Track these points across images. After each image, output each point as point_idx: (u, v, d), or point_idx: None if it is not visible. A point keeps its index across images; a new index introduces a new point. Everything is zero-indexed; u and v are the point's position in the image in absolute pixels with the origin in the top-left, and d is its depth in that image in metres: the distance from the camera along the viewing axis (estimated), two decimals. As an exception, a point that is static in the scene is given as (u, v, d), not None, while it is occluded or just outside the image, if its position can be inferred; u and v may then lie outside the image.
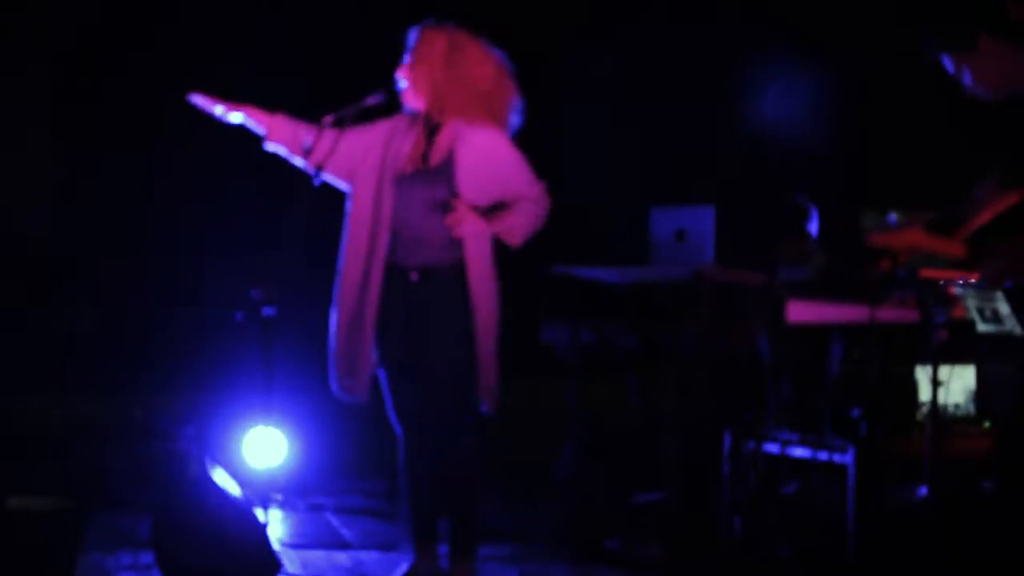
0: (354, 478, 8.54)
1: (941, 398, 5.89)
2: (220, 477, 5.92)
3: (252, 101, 5.49)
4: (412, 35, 5.48)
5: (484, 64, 5.47)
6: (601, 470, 7.24)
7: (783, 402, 5.73)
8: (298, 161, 5.49)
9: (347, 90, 5.57)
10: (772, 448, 6.07)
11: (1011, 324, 5.91)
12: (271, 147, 5.50)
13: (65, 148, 10.07)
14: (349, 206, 5.48)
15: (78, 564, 5.55)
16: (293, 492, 7.87)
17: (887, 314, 5.22)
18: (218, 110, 5.45)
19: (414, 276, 5.39)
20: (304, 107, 5.52)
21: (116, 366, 9.81)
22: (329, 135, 5.41)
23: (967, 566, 5.29)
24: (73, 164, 10.03)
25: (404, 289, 5.41)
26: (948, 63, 4.42)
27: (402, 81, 5.45)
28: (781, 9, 9.76)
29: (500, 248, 5.45)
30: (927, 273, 5.10)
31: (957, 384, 5.62)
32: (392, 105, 5.50)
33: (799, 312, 5.11)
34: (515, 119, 5.53)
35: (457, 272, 5.33)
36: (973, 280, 5.18)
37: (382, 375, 5.50)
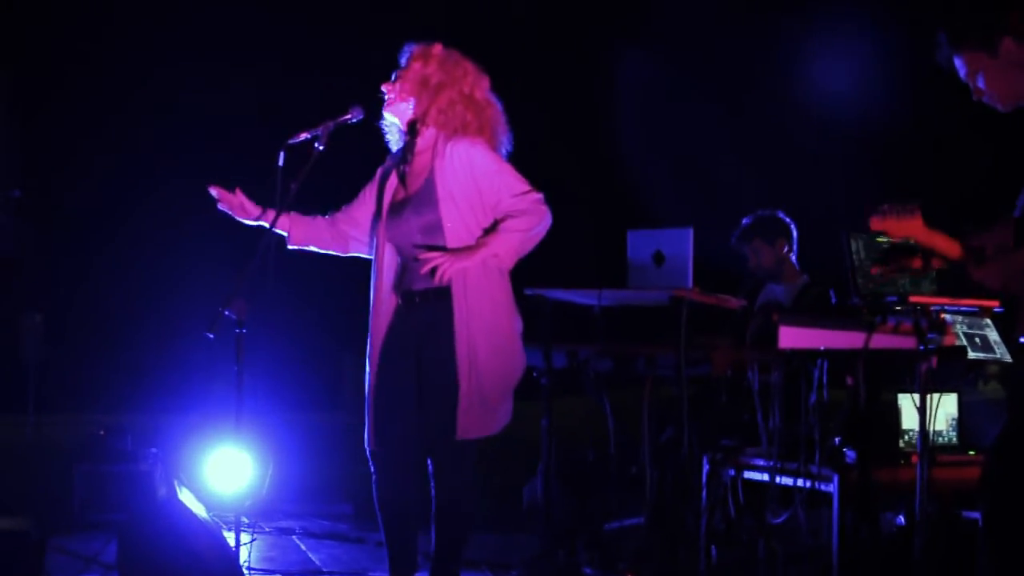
0: (321, 501, 8.44)
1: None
2: (187, 499, 5.80)
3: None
4: (404, 53, 5.40)
5: (479, 75, 5.40)
6: (575, 496, 7.14)
7: (769, 429, 5.62)
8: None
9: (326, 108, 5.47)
10: (754, 476, 5.98)
11: (1000, 351, 5.85)
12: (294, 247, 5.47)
13: (28, 166, 9.96)
14: None
15: (41, 587, 5.43)
16: (260, 515, 7.75)
17: (881, 340, 5.13)
18: (236, 207, 5.37)
19: (418, 299, 5.29)
20: (282, 127, 5.40)
21: (81, 385, 9.69)
22: (344, 218, 5.48)
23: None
24: (38, 183, 9.92)
25: (408, 314, 5.32)
26: (962, 65, 4.32)
27: (388, 94, 5.34)
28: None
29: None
30: (916, 299, 5.02)
31: (940, 412, 5.53)
32: (367, 123, 5.42)
33: (790, 338, 5.01)
34: (506, 143, 5.42)
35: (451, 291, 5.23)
36: (963, 306, 5.11)
37: (369, 397, 5.36)
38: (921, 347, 5.05)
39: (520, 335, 5.39)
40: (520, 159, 5.42)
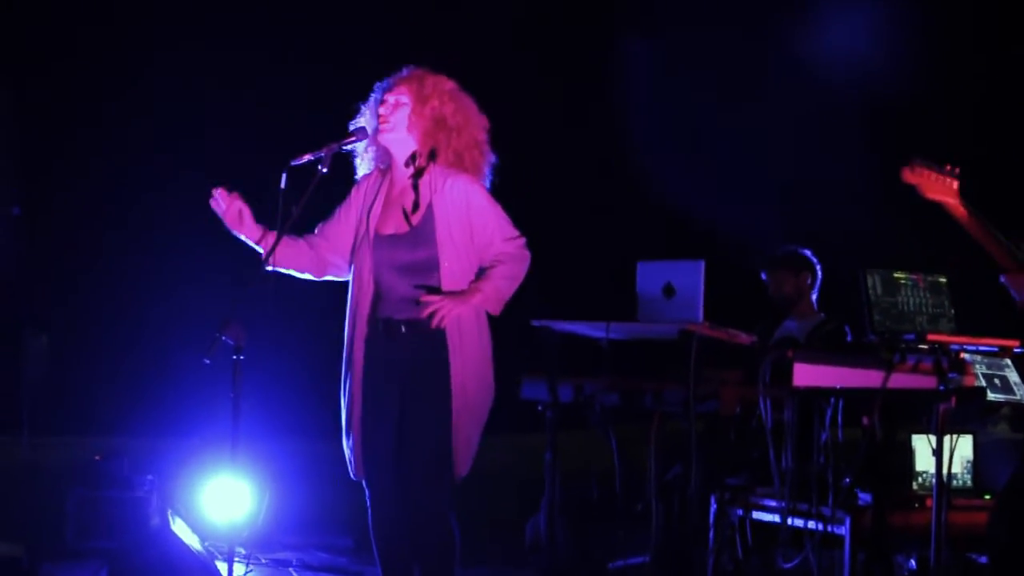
0: (319, 533, 8.29)
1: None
2: (180, 528, 5.69)
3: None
4: (405, 75, 5.28)
5: (481, 114, 5.35)
6: (578, 532, 7.01)
7: (782, 468, 5.47)
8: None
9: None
10: (763, 516, 5.83)
11: (1020, 392, 5.71)
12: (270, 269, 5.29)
13: (26, 184, 9.88)
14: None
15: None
16: (257, 546, 7.61)
17: (898, 380, 4.98)
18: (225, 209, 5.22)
19: (402, 329, 5.17)
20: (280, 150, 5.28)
21: (76, 409, 9.58)
22: (324, 244, 5.35)
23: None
24: (38, 201, 9.84)
25: (391, 343, 5.19)
26: None
27: (386, 119, 5.21)
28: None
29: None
30: (935, 337, 4.88)
31: (955, 454, 5.38)
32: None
33: (806, 375, 4.86)
34: (487, 178, 5.36)
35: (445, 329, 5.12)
36: (983, 345, 4.96)
37: (356, 426, 5.23)
38: (941, 387, 4.90)
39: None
40: (527, 188, 5.35)
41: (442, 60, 5.40)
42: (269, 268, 5.24)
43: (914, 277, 5.43)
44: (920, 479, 5.73)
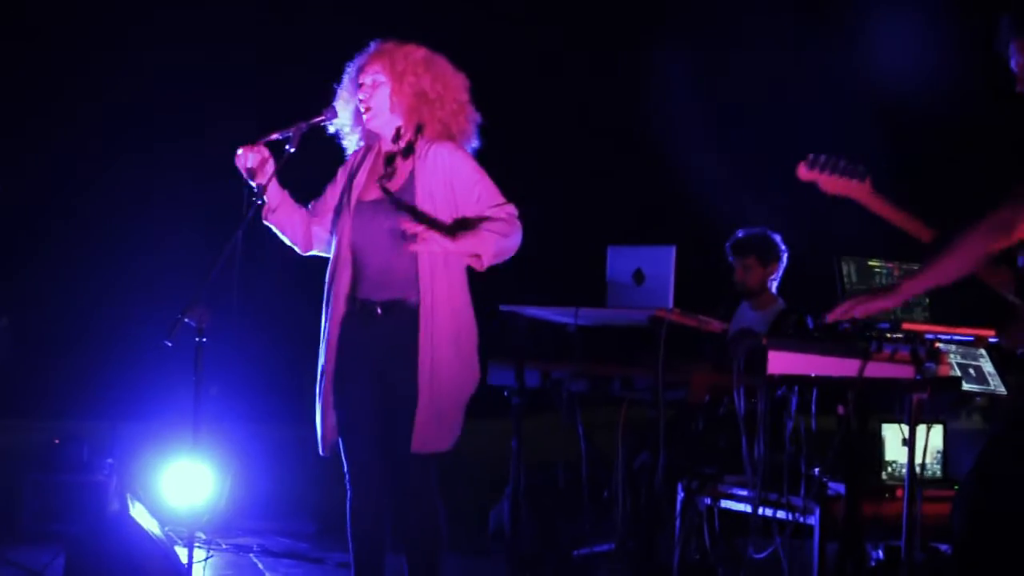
0: (281, 518, 8.21)
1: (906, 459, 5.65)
2: (140, 513, 5.61)
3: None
4: (374, 51, 5.17)
5: (458, 74, 5.21)
6: (544, 520, 6.95)
7: (754, 458, 5.40)
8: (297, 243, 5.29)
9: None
10: (732, 505, 5.78)
11: (995, 383, 5.67)
12: (269, 222, 5.19)
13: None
14: None
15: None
16: (217, 531, 7.53)
17: (876, 368, 4.92)
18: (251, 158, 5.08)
19: (380, 311, 5.04)
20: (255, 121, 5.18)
21: (34, 392, 9.47)
22: (315, 219, 5.23)
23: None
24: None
25: (368, 326, 5.06)
26: (1017, 52, 4.13)
27: (367, 103, 5.11)
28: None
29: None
30: (909, 326, 4.82)
31: (925, 444, 5.33)
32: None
33: (781, 363, 4.79)
34: (475, 140, 5.24)
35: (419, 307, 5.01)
36: (958, 335, 4.91)
37: (339, 418, 5.14)
38: (918, 376, 4.84)
39: (477, 348, 5.19)
40: (498, 168, 5.24)
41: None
42: (268, 222, 5.15)
43: (889, 265, 5.39)
44: (889, 469, 5.68)
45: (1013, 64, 4.16)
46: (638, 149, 9.49)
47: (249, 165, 5.01)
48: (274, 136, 5.02)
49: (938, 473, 5.83)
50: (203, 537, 7.39)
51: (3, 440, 9.66)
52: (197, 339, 4.85)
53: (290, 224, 5.20)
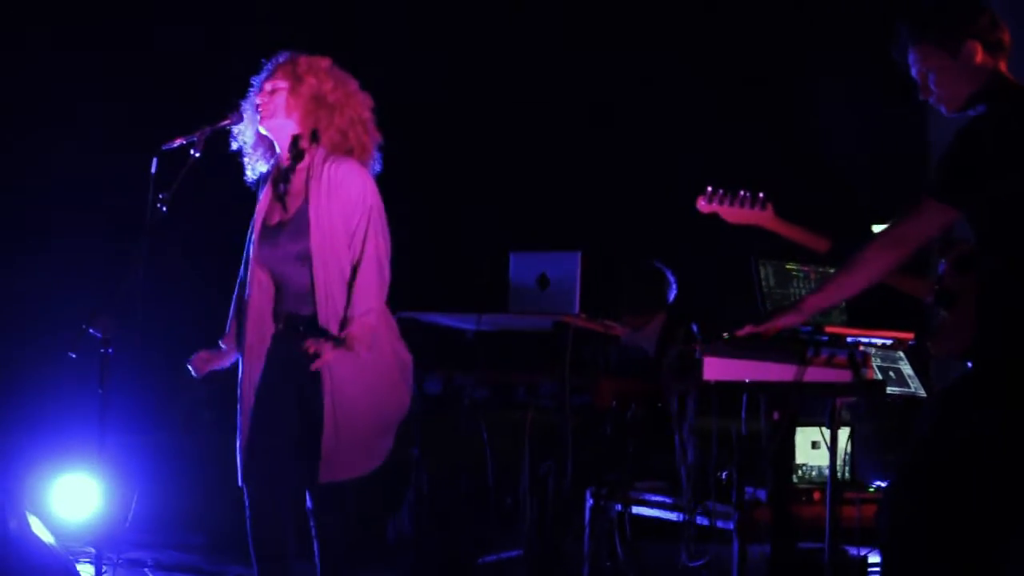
0: (172, 531, 8.05)
1: (816, 461, 5.69)
2: (36, 527, 5.46)
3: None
4: (281, 61, 5.08)
5: (364, 92, 5.16)
6: (447, 528, 6.89)
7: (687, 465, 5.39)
8: None
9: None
10: (643, 511, 5.76)
11: (915, 385, 5.72)
12: None
13: None
14: None
15: None
16: (108, 545, 7.35)
17: (813, 374, 4.93)
18: None
19: (303, 328, 4.95)
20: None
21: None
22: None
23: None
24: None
25: (292, 339, 4.96)
26: (916, 60, 4.16)
27: (264, 106, 5.01)
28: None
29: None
30: (832, 329, 4.83)
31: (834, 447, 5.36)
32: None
33: (717, 369, 4.77)
34: (376, 164, 5.16)
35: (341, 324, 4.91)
36: (878, 338, 4.93)
37: (244, 428, 5.04)
38: (854, 380, 4.86)
39: (407, 369, 5.12)
40: (398, 174, 5.19)
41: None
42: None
43: (805, 269, 5.41)
44: (800, 472, 5.70)
45: (914, 73, 4.20)
46: (544, 150, 9.43)
47: (208, 369, 5.09)
48: (179, 141, 4.91)
49: (847, 475, 5.87)
50: (93, 552, 7.21)
51: None
52: (102, 350, 4.72)
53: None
